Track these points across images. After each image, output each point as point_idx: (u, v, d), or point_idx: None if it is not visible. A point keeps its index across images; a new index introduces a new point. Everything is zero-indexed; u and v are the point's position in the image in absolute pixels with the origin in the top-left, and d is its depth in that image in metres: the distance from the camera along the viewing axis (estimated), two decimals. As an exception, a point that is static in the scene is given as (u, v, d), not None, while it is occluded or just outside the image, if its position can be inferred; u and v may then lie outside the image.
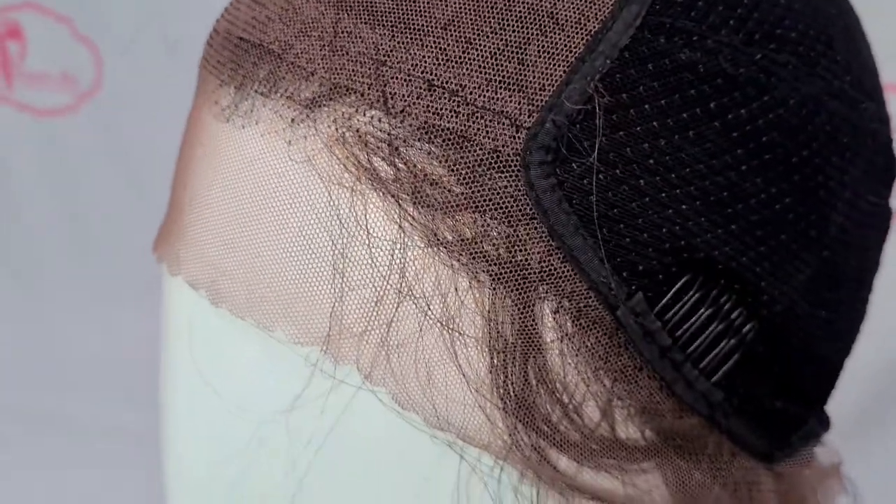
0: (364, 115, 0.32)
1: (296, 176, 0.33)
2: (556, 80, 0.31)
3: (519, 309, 0.32)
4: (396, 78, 0.32)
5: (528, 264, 0.31)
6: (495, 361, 0.32)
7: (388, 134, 0.32)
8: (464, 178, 0.31)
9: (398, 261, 0.32)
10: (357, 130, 0.32)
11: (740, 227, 0.33)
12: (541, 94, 0.31)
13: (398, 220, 0.32)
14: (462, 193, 0.31)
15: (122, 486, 0.86)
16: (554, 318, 0.32)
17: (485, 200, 0.31)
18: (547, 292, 0.32)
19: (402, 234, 0.32)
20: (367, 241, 0.32)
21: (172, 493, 0.39)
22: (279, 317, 0.33)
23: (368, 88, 0.32)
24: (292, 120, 0.33)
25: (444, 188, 0.31)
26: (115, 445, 0.90)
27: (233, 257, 0.34)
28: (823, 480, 0.39)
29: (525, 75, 0.31)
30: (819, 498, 0.39)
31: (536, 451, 0.33)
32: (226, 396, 0.36)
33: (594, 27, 0.31)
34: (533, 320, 0.32)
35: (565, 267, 0.31)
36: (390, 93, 0.32)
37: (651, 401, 0.34)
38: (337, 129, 0.32)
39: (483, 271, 0.32)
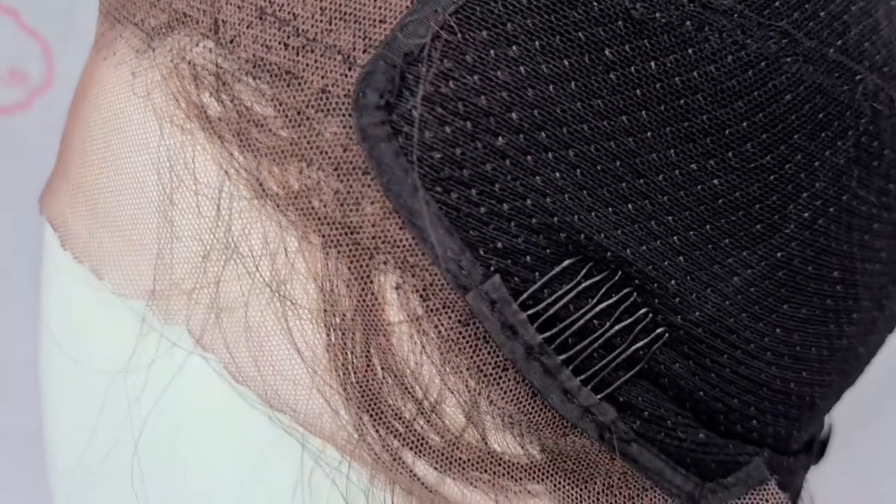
0: (198, 45, 0.29)
1: (135, 111, 0.30)
2: (400, 12, 0.27)
3: (357, 280, 0.28)
4: (229, 4, 0.28)
5: (362, 228, 0.27)
6: (332, 339, 0.28)
7: (218, 67, 0.28)
8: (291, 122, 0.27)
9: (224, 212, 0.28)
10: (190, 62, 0.29)
11: (640, 208, 0.28)
12: (379, 27, 0.27)
13: (224, 166, 0.28)
14: (289, 139, 0.27)
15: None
16: (397, 295, 0.28)
17: (313, 149, 0.27)
18: (386, 263, 0.27)
19: (228, 182, 0.28)
20: (194, 188, 0.29)
21: (46, 452, 0.36)
22: (109, 264, 0.31)
23: (203, 15, 0.28)
24: (137, 51, 0.30)
25: (271, 132, 0.27)
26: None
27: (79, 197, 0.32)
28: None
29: (364, 4, 0.27)
30: None
31: (388, 451, 0.29)
32: (68, 351, 0.33)
33: None
34: (373, 295, 0.28)
35: (405, 235, 0.27)
36: (222, 20, 0.28)
37: (521, 410, 0.29)
38: (172, 61, 0.29)
39: (314, 231, 0.28)
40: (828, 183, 0.30)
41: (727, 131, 0.28)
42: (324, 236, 0.27)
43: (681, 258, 0.28)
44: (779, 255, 0.30)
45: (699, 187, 0.28)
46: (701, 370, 0.30)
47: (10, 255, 0.93)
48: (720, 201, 0.28)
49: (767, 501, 0.31)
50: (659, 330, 0.29)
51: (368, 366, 0.28)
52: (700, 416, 0.31)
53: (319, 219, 0.27)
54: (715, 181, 0.28)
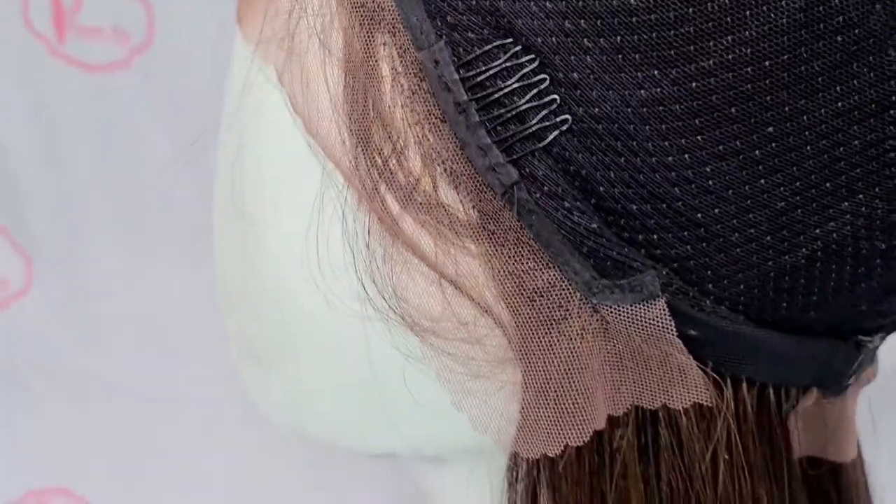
0: None
1: None
2: None
3: (364, 35, 0.36)
4: None
5: None
6: (348, 80, 0.37)
7: None
8: None
9: None
10: None
11: (555, 8, 0.33)
12: None
13: None
14: None
15: (163, 454, 0.83)
16: (384, 50, 0.36)
17: None
18: (380, 24, 0.36)
19: None
20: None
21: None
22: (246, 24, 0.42)
23: None
24: None
25: None
26: (152, 411, 0.86)
27: None
28: (668, 358, 0.35)
29: None
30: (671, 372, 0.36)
31: (370, 180, 0.36)
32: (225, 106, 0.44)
33: None
34: (372, 49, 0.36)
35: (390, 3, 0.36)
36: None
37: (452, 160, 0.35)
38: None
39: None
40: (762, 36, 0.31)
41: None
42: (351, 1, 0.37)
43: (588, 58, 0.33)
44: (693, 84, 0.32)
45: (614, 1, 0.32)
46: (602, 167, 0.34)
47: (108, 205, 0.94)
48: (634, 19, 0.32)
49: (651, 313, 0.34)
50: (563, 117, 0.34)
51: (365, 107, 0.36)
52: (604, 214, 0.35)
53: None
54: (631, 2, 0.32)
